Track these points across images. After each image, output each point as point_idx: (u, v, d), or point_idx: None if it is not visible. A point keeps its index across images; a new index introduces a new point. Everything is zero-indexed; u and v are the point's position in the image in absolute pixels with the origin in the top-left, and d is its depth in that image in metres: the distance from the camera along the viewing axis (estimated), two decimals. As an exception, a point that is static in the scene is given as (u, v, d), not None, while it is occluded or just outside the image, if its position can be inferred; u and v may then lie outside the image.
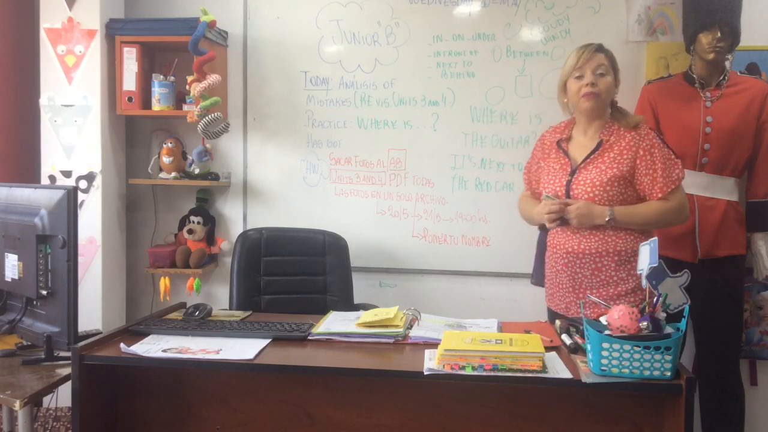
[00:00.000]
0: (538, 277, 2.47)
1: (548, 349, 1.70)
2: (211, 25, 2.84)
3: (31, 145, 3.05)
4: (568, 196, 2.19)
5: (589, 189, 2.16)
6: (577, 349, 1.71)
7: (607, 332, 1.55)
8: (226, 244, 3.12)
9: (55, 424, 2.67)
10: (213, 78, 2.78)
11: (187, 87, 2.84)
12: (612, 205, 2.15)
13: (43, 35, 2.91)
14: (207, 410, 1.83)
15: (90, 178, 2.93)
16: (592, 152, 2.20)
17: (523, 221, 2.48)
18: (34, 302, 1.98)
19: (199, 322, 1.96)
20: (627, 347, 1.51)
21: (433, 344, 1.71)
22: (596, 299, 1.88)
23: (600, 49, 2.23)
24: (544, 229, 2.37)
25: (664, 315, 1.59)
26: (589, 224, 2.13)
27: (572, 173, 2.21)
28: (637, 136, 2.20)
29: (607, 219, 2.11)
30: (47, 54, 2.91)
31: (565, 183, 2.21)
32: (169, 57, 3.06)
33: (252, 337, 1.82)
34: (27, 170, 3.04)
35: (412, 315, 1.99)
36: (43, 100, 2.93)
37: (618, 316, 1.57)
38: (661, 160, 2.17)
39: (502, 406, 1.73)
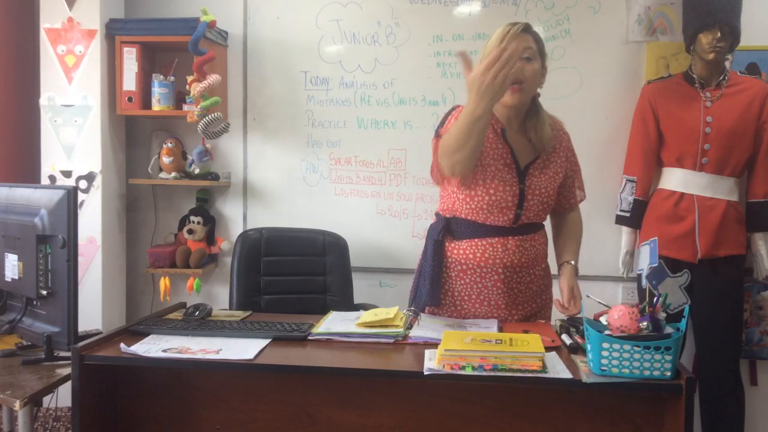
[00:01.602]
0: (434, 296, 2.03)
1: (548, 349, 1.70)
2: (211, 25, 2.84)
3: (31, 145, 3.05)
4: (521, 205, 1.94)
5: (545, 199, 1.97)
6: (577, 349, 1.71)
7: (607, 332, 1.55)
8: (226, 244, 3.12)
9: (55, 424, 2.67)
10: (213, 78, 2.79)
11: (187, 87, 2.84)
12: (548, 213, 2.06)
13: (43, 35, 2.91)
14: (207, 410, 1.83)
15: (90, 178, 2.93)
16: (538, 157, 1.99)
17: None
18: (34, 302, 1.98)
19: (199, 322, 1.96)
20: (627, 347, 1.51)
21: (433, 344, 1.71)
22: (597, 300, 1.86)
23: (527, 29, 1.92)
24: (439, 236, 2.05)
25: (664, 315, 1.59)
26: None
27: (522, 180, 1.96)
28: (562, 134, 2.05)
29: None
30: (47, 54, 2.91)
31: (518, 192, 1.94)
32: (169, 57, 3.07)
33: (252, 337, 1.82)
34: (27, 170, 3.04)
35: (412, 315, 1.99)
36: (43, 100, 2.93)
37: (618, 316, 1.57)
38: (577, 161, 2.12)
39: (502, 406, 1.73)
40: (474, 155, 1.85)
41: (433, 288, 2.02)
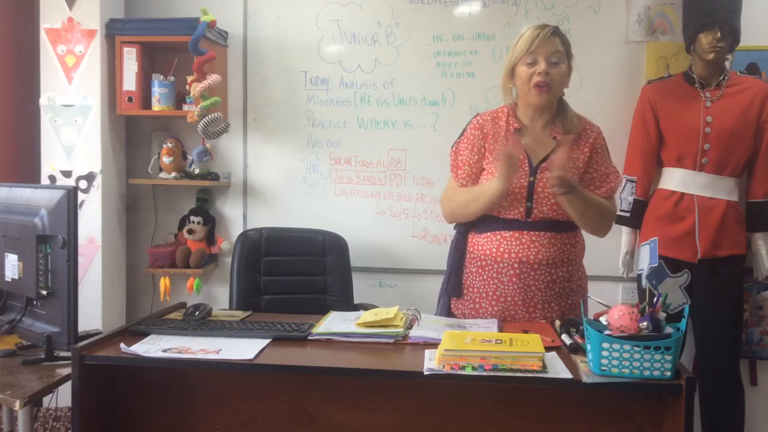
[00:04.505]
0: (456, 286, 2.13)
1: (548, 349, 1.70)
2: (211, 25, 2.84)
3: (31, 145, 3.05)
4: (530, 197, 1.99)
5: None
6: (577, 349, 1.71)
7: (607, 332, 1.55)
8: (226, 244, 3.12)
9: (55, 424, 2.67)
10: (213, 78, 2.79)
11: (187, 87, 2.84)
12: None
13: (43, 35, 2.91)
14: (207, 410, 1.83)
15: (90, 178, 2.93)
16: (553, 151, 2.00)
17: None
18: (34, 302, 1.98)
19: (199, 322, 1.96)
20: (627, 347, 1.51)
21: (433, 344, 1.71)
22: (598, 299, 1.86)
23: (556, 32, 1.97)
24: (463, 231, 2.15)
25: (664, 315, 1.59)
26: (565, 186, 1.86)
27: (533, 173, 2.00)
28: (590, 131, 2.05)
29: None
30: (47, 54, 2.91)
31: (527, 184, 1.99)
32: (169, 57, 3.06)
33: (252, 337, 1.82)
34: (27, 170, 3.04)
35: (412, 315, 1.99)
36: (43, 100, 2.93)
37: (618, 316, 1.57)
38: (608, 159, 2.07)
39: (502, 406, 1.73)
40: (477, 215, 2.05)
41: (452, 278, 2.14)
